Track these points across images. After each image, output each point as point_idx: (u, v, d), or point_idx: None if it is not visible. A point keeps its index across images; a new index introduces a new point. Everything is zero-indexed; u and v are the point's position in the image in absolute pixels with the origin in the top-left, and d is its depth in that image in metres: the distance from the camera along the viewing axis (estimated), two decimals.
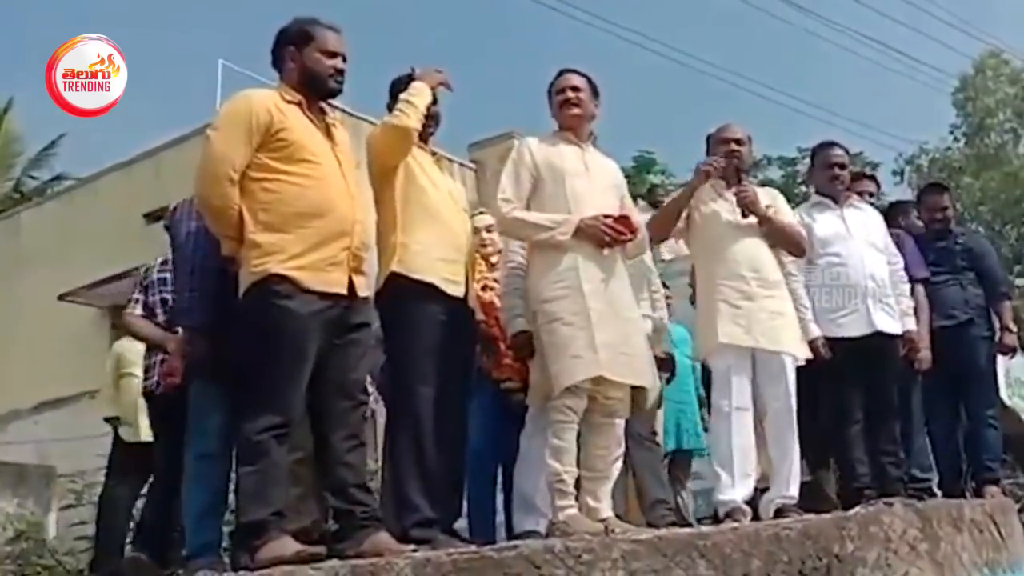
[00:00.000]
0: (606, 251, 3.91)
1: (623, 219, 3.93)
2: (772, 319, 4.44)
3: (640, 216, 4.38)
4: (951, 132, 27.35)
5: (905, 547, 3.70)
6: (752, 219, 4.52)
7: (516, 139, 4.33)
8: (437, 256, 3.85)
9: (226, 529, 4.02)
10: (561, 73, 4.18)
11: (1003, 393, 10.63)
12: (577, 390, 3.71)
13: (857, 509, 3.85)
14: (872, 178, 6.33)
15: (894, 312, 4.99)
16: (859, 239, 5.01)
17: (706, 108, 36.15)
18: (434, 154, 4.14)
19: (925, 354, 5.26)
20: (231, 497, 3.68)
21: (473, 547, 3.19)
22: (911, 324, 5.12)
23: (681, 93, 48.11)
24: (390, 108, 3.95)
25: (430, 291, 3.81)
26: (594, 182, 4.08)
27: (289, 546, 3.14)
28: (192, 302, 3.84)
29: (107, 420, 6.08)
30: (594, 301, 3.81)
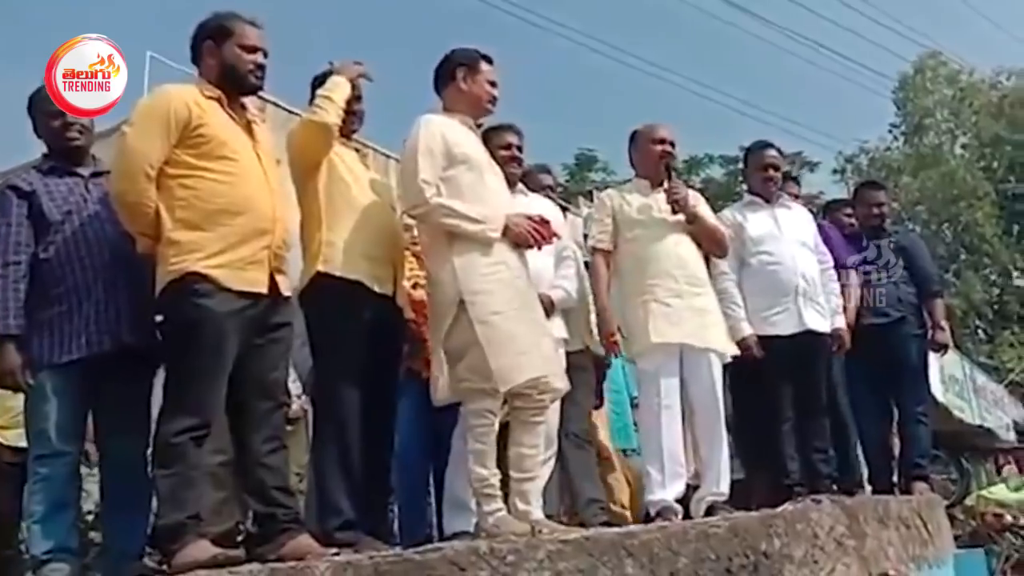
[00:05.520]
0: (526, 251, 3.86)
1: (546, 222, 3.88)
2: (700, 316, 4.48)
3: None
4: (890, 131, 27.86)
5: (832, 543, 3.72)
6: (680, 216, 4.54)
7: None
8: (363, 253, 3.77)
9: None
10: (490, 60, 4.02)
11: (937, 390, 10.83)
12: (502, 392, 3.58)
13: (785, 506, 3.88)
14: (795, 180, 6.49)
15: (824, 310, 5.05)
16: (790, 238, 5.06)
17: (648, 107, 36.53)
18: (357, 150, 4.08)
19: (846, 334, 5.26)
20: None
21: (397, 549, 3.15)
22: (840, 322, 5.18)
23: (623, 92, 48.35)
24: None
25: (356, 289, 3.73)
26: (497, 174, 4.02)
27: (207, 550, 3.07)
28: None
29: None
30: (527, 297, 3.77)
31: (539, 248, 3.90)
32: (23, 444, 5.44)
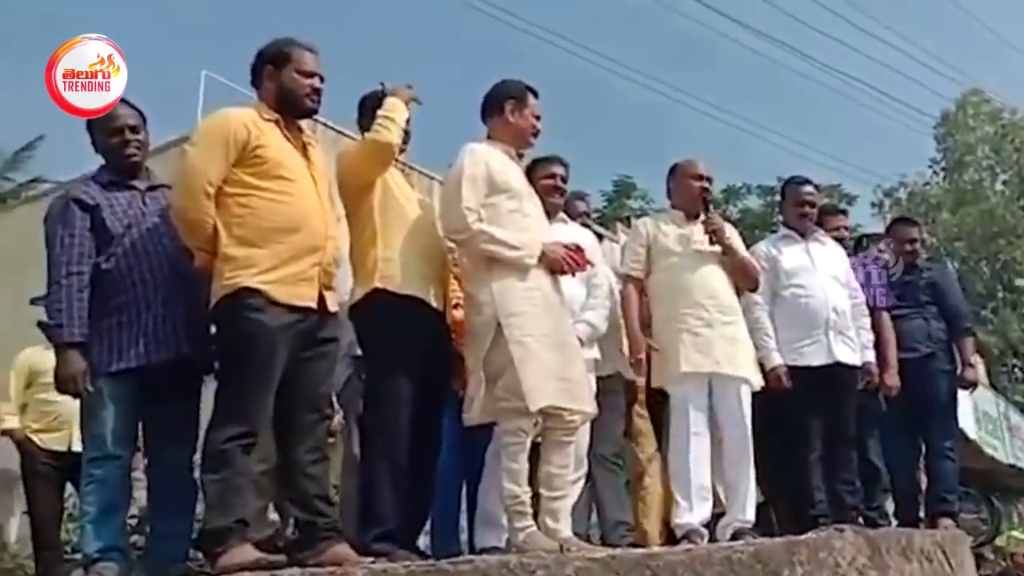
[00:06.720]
0: (560, 277, 3.98)
1: (580, 250, 4.00)
2: (730, 345, 4.58)
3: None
4: (930, 166, 27.68)
5: (853, 573, 3.76)
6: (716, 247, 4.65)
7: None
8: (418, 270, 3.90)
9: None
10: (536, 94, 4.16)
11: (971, 427, 10.74)
12: (537, 412, 3.70)
13: (808, 534, 3.92)
14: (844, 213, 6.47)
15: (854, 344, 5.12)
16: (822, 272, 5.15)
17: (688, 137, 36.72)
18: (402, 171, 4.19)
19: (893, 379, 5.41)
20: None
21: (430, 560, 3.24)
22: (871, 356, 5.25)
23: (663, 122, 48.47)
24: (361, 124, 4.03)
25: (415, 304, 3.85)
26: (536, 203, 4.15)
27: (250, 553, 3.19)
28: (60, 317, 3.57)
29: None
30: (559, 321, 3.89)
31: (573, 275, 4.02)
32: (59, 448, 5.68)
